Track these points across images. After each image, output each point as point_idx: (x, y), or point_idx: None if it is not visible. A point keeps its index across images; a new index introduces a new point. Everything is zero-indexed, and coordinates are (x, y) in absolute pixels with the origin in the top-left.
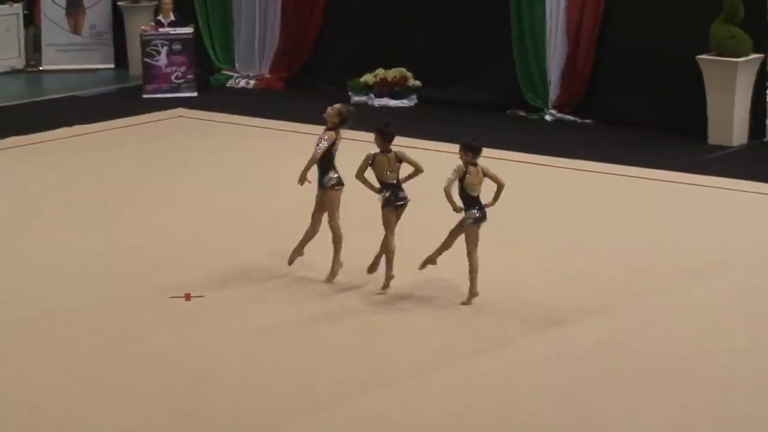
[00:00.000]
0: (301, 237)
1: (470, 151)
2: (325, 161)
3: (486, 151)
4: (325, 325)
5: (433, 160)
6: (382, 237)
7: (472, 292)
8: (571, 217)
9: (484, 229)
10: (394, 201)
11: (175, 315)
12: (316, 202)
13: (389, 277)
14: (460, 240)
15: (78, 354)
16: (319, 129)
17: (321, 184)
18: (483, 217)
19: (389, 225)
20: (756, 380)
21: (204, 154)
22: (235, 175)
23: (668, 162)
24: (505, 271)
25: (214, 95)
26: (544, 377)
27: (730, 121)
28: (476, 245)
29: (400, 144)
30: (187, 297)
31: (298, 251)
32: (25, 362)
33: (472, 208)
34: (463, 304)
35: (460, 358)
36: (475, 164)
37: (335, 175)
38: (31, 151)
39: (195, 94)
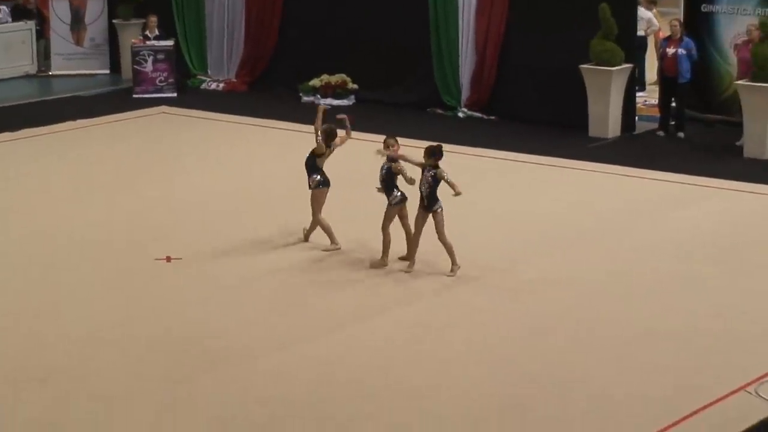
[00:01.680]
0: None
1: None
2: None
3: (410, 142)
4: (272, 281)
5: (367, 149)
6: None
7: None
8: (476, 194)
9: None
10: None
11: (156, 273)
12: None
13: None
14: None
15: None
16: (276, 123)
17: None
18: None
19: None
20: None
21: (183, 143)
22: (208, 161)
23: (557, 150)
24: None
25: (190, 96)
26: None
27: (606, 118)
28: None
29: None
30: (168, 259)
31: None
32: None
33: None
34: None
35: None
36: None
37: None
38: (41, 140)
39: (175, 94)
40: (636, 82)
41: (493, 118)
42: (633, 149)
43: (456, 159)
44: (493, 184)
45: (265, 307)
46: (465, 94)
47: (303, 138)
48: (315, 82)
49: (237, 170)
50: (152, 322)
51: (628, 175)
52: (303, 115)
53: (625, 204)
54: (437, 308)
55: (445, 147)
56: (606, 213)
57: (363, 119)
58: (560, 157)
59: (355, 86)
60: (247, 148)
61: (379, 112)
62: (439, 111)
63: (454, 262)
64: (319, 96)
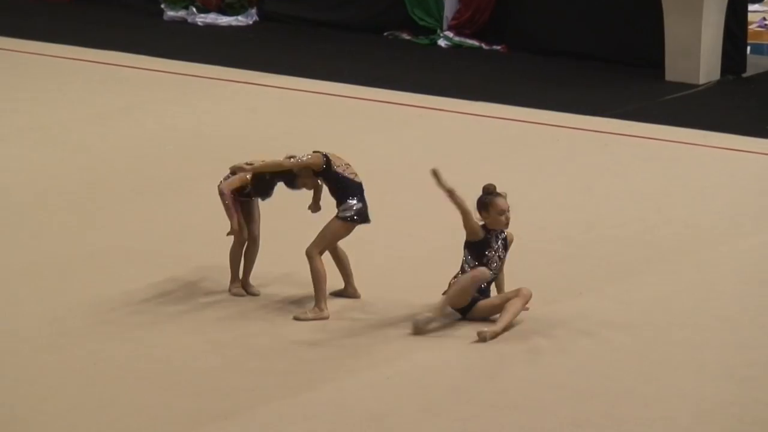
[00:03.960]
0: None
1: None
2: None
3: (354, 90)
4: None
5: (278, 102)
6: None
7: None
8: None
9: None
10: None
11: None
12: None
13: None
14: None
15: None
16: (117, 56)
17: None
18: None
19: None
20: None
21: None
22: (16, 123)
23: (611, 106)
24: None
25: None
26: None
27: (697, 50)
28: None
29: (230, 79)
30: None
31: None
32: None
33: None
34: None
35: None
36: None
37: None
38: None
39: None
40: None
41: (498, 48)
42: (743, 104)
43: (437, 120)
44: (499, 168)
45: None
46: (450, 7)
47: (167, 83)
48: None
49: (52, 140)
50: None
51: (734, 150)
52: (167, 42)
53: (730, 201)
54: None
55: (416, 99)
56: (697, 216)
57: (271, 50)
58: (617, 118)
59: None
60: (71, 100)
61: (299, 39)
62: (406, 36)
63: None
64: (195, 10)
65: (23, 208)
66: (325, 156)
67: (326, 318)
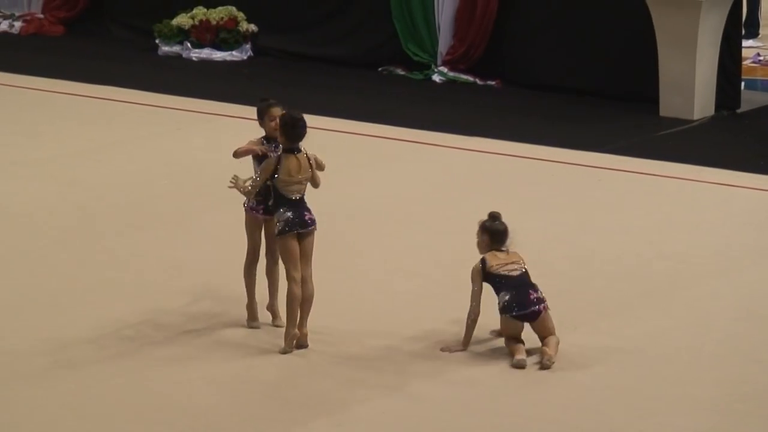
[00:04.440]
0: None
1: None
2: None
3: (348, 125)
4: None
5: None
6: None
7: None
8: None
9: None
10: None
11: None
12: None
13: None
14: None
15: None
16: (112, 91)
17: None
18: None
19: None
20: None
21: None
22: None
23: (605, 142)
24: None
25: None
26: None
27: (691, 85)
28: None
29: (227, 114)
30: None
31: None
32: None
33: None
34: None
35: None
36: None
37: None
38: None
39: None
40: (744, 23)
41: (492, 83)
42: (737, 139)
43: (432, 154)
44: (493, 202)
45: None
46: (444, 43)
47: (161, 118)
48: (183, 19)
49: (46, 175)
50: None
51: (728, 185)
52: (162, 77)
53: (720, 236)
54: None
55: (410, 134)
56: (692, 251)
57: (265, 84)
58: (611, 153)
59: (253, 27)
60: (65, 135)
61: (293, 73)
62: (401, 71)
63: None
64: (189, 45)
65: (16, 242)
66: (279, 158)
67: (296, 336)
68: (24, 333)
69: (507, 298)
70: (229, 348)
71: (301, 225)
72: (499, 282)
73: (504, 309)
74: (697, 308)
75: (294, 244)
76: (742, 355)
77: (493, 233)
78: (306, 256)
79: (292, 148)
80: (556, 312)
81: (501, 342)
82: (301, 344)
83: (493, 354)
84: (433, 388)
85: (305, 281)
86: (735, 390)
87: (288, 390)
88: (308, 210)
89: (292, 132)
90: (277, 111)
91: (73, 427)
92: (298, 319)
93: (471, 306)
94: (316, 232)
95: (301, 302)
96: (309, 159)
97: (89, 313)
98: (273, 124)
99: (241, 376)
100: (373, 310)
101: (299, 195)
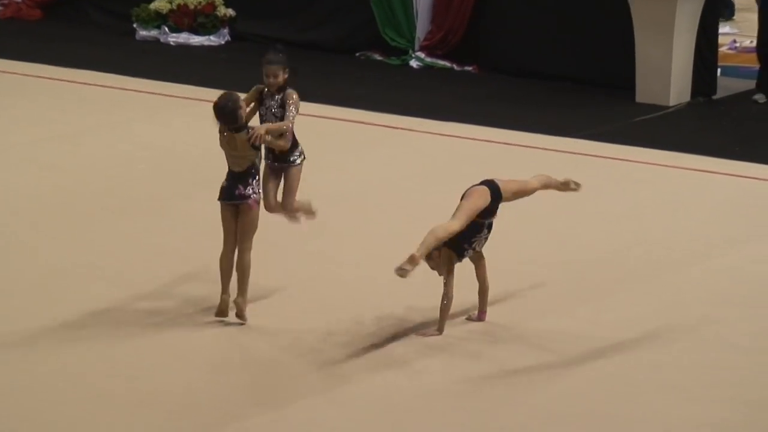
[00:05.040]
0: None
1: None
2: None
3: (326, 110)
4: None
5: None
6: None
7: None
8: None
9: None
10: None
11: None
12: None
13: None
14: None
15: None
16: (90, 75)
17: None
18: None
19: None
20: None
21: None
22: None
23: (583, 127)
24: None
25: None
26: None
27: (667, 71)
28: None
29: (203, 98)
30: None
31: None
32: None
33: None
34: None
35: None
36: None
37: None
38: None
39: None
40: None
41: (470, 69)
42: (713, 126)
43: (408, 140)
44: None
45: None
46: (422, 27)
47: (139, 102)
48: (161, 4)
49: (25, 159)
50: None
51: (705, 171)
52: (140, 61)
53: (697, 221)
54: None
55: (388, 119)
56: (668, 237)
57: (243, 69)
58: (588, 140)
59: (230, 12)
60: (43, 119)
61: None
62: (378, 57)
63: None
64: (167, 30)
65: None
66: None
67: (225, 301)
68: (2, 315)
69: None
70: (204, 329)
71: (228, 197)
72: None
73: None
74: (673, 293)
75: (225, 214)
76: (720, 340)
77: None
78: (242, 230)
79: (230, 129)
80: (532, 298)
81: (478, 326)
82: (238, 315)
83: (470, 337)
84: (409, 373)
85: (241, 253)
86: (711, 375)
87: (262, 371)
88: (247, 185)
89: (220, 118)
90: (272, 69)
91: (52, 408)
92: (225, 286)
93: (445, 289)
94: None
95: (235, 272)
96: (250, 139)
97: (64, 296)
98: (268, 80)
99: (213, 359)
100: (351, 296)
101: (239, 169)
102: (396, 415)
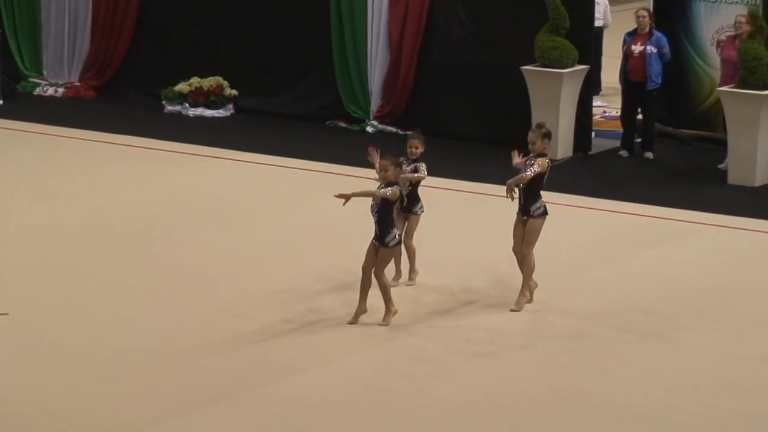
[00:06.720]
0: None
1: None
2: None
3: (304, 164)
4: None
5: (249, 172)
6: None
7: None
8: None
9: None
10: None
11: None
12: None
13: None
14: None
15: None
16: (130, 139)
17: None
18: None
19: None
20: None
21: (9, 165)
22: (44, 189)
23: (491, 175)
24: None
25: (21, 103)
26: None
27: (555, 133)
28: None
29: (214, 156)
30: None
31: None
32: None
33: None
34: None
35: None
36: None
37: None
38: None
39: (0, 101)
40: (592, 86)
41: (410, 133)
42: (588, 174)
43: (366, 184)
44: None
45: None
46: (375, 102)
47: (166, 159)
48: (183, 86)
49: (81, 201)
50: None
51: (581, 207)
52: (167, 128)
53: (577, 245)
54: None
55: (351, 171)
56: (553, 258)
57: (244, 134)
58: (495, 184)
59: (234, 92)
60: (95, 171)
61: (264, 126)
62: (342, 124)
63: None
64: (188, 105)
65: (57, 249)
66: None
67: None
68: (81, 326)
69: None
70: (193, 313)
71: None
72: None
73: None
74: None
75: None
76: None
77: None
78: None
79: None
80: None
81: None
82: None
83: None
84: (365, 354)
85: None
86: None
87: (267, 355)
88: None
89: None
90: (414, 143)
91: (46, 378)
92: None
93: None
94: None
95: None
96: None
97: (117, 312)
98: (410, 149)
99: (199, 340)
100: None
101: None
102: (365, 386)
